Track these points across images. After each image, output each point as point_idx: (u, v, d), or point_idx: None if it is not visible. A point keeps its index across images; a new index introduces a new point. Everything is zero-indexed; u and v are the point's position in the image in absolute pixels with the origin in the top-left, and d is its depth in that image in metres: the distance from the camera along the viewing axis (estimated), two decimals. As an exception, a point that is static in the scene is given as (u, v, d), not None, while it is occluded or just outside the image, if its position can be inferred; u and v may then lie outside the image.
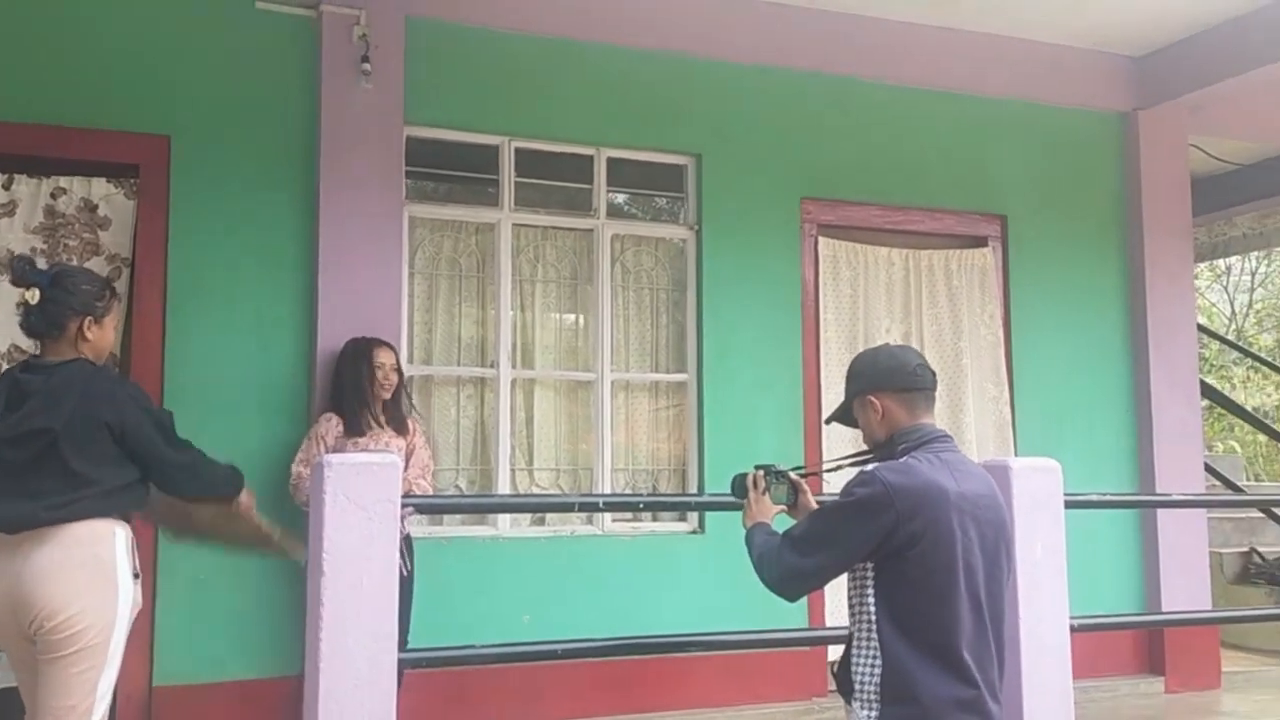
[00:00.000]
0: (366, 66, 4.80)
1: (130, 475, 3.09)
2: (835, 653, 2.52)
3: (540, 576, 5.08)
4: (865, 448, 2.58)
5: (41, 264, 3.68)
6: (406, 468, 4.35)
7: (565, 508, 5.07)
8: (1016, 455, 5.79)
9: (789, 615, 5.09)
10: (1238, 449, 13.61)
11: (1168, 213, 6.42)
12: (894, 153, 5.96)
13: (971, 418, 5.95)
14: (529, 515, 5.26)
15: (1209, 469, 7.71)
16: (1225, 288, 16.43)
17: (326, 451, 4.18)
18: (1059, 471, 3.64)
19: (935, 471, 2.32)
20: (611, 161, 5.52)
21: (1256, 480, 12.18)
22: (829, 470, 3.04)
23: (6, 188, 4.53)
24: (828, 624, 5.37)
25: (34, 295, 3.09)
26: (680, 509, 5.48)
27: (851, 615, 2.40)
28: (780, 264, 5.68)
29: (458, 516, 5.13)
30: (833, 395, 5.61)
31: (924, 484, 2.29)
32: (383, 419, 4.50)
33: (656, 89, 5.52)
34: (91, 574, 2.96)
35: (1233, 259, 14.64)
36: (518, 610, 4.96)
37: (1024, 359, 6.14)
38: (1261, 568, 7.52)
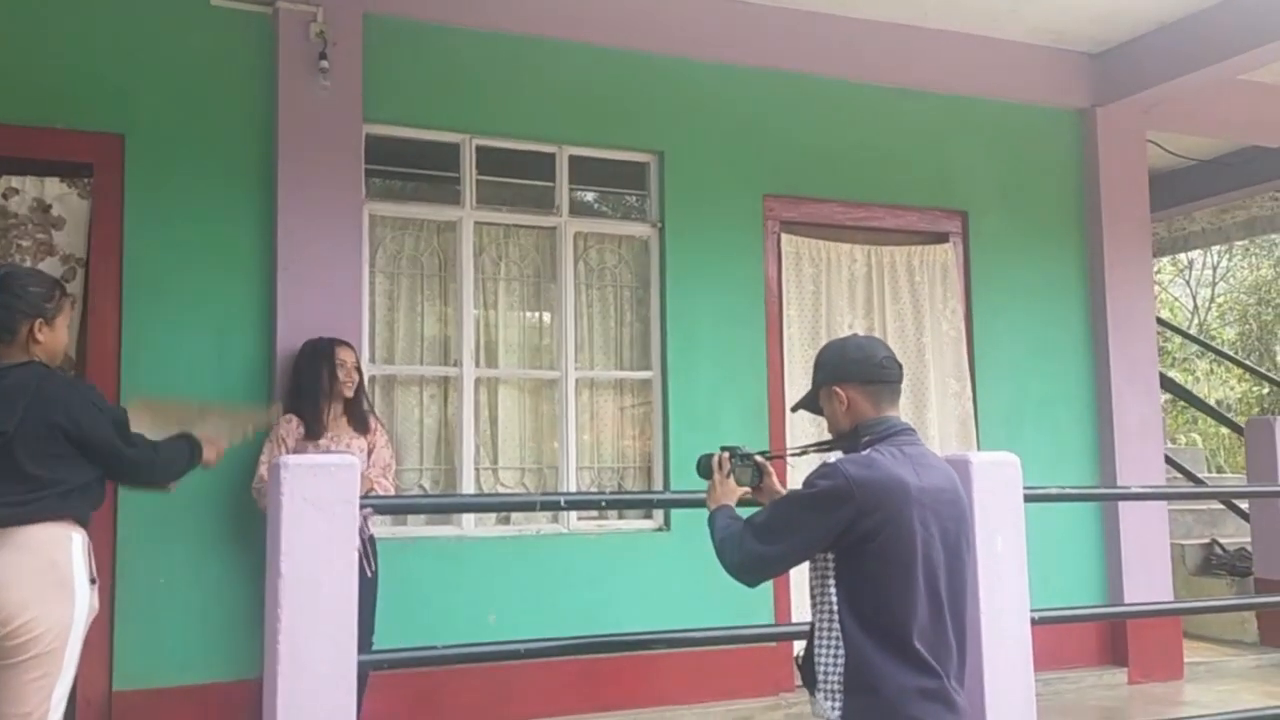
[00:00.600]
0: (324, 64, 4.76)
1: (87, 475, 3.06)
2: (801, 647, 2.53)
3: (506, 576, 5.06)
4: (829, 438, 2.59)
5: (-9, 266, 3.61)
6: (368, 467, 4.32)
7: (527, 507, 5.05)
8: (978, 449, 5.84)
9: (755, 612, 5.13)
10: (1200, 442, 13.79)
11: (1126, 208, 6.49)
12: (856, 149, 5.99)
13: (934, 413, 5.99)
14: (494, 515, 5.24)
15: (1170, 462, 7.81)
16: (1188, 282, 16.65)
17: (287, 453, 4.14)
18: (1018, 465, 3.66)
19: (897, 465, 2.33)
20: (574, 159, 5.51)
21: (1219, 472, 12.35)
22: (794, 455, 3.06)
23: (-43, 188, 4.45)
24: (794, 619, 5.38)
25: None
26: (642, 506, 5.48)
27: (813, 606, 2.41)
28: (743, 261, 5.69)
29: (422, 516, 5.10)
30: (796, 391, 5.63)
31: (885, 478, 2.31)
32: (344, 419, 4.47)
33: (618, 86, 5.52)
34: (47, 580, 2.93)
35: (1195, 253, 14.85)
36: (483, 610, 4.93)
37: (985, 354, 6.19)
38: (1222, 559, 7.62)
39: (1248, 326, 15.51)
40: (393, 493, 4.49)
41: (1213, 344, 13.20)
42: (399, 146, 5.26)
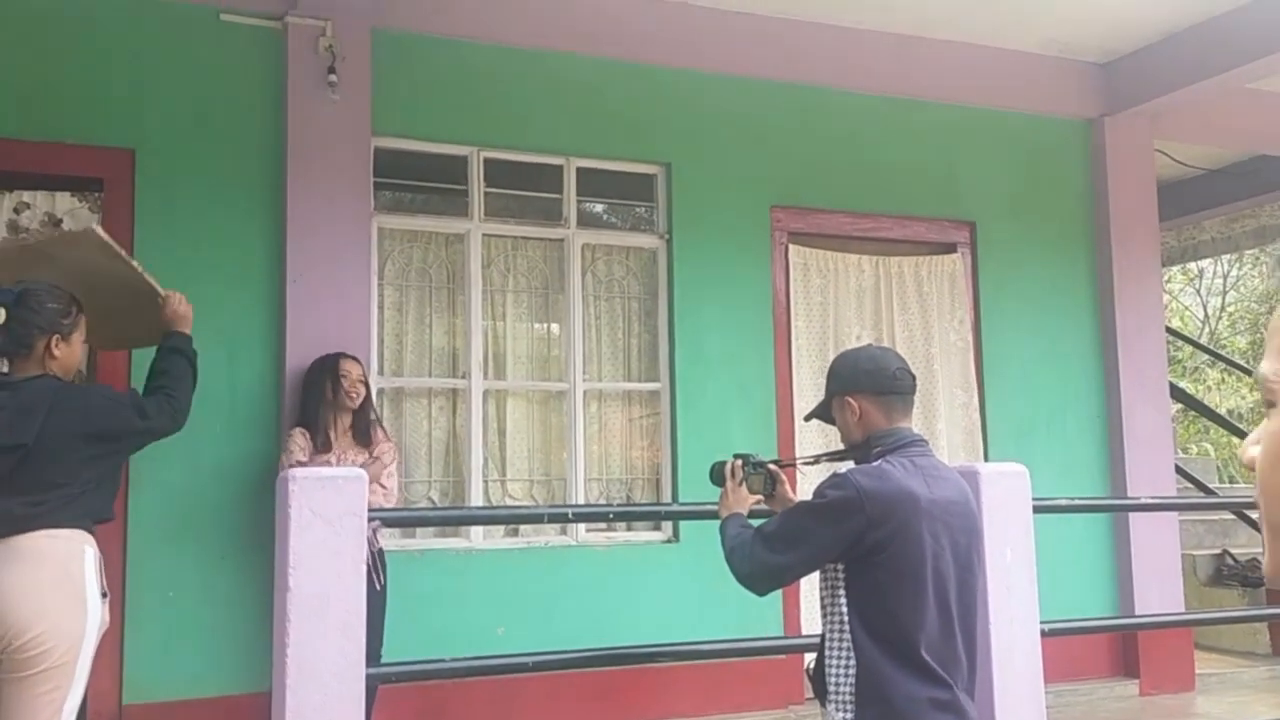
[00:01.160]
0: (333, 78, 4.78)
1: (106, 468, 3.12)
2: (811, 659, 2.53)
3: (514, 588, 5.06)
4: (842, 447, 2.59)
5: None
6: (379, 480, 4.32)
7: (535, 519, 5.05)
8: (986, 460, 5.82)
9: (764, 624, 5.11)
10: (1212, 452, 13.73)
11: (1135, 218, 6.48)
12: (863, 160, 5.99)
13: (943, 423, 5.98)
14: (502, 527, 5.24)
15: (1181, 472, 7.77)
16: (1198, 291, 16.59)
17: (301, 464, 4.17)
18: (1027, 476, 3.65)
19: (908, 477, 2.33)
20: (581, 171, 5.52)
21: (1230, 483, 12.27)
22: (806, 464, 3.06)
23: (-31, 203, 4.49)
24: (803, 631, 5.37)
25: (0, 314, 3.07)
26: (650, 519, 5.47)
27: (824, 617, 2.41)
28: (751, 272, 5.69)
29: (431, 529, 5.11)
30: (804, 402, 5.62)
31: (895, 490, 2.31)
32: (350, 433, 4.47)
33: (626, 99, 5.53)
34: (59, 593, 2.94)
35: (1205, 262, 14.80)
36: (492, 622, 4.93)
37: (994, 364, 6.17)
38: (1234, 569, 7.58)
39: (1259, 335, 15.45)
40: (394, 496, 4.48)
41: (1223, 353, 13.15)
42: (407, 159, 5.28)
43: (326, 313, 4.75)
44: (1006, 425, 6.10)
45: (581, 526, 5.29)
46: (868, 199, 6.00)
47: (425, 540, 5.05)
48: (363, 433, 4.48)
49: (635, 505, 5.49)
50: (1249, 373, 11.65)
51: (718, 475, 2.73)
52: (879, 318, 6.00)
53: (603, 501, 5.43)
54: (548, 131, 5.40)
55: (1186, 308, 16.72)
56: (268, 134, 4.85)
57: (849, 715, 2.31)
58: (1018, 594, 3.54)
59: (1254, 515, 7.51)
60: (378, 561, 4.30)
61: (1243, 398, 15.47)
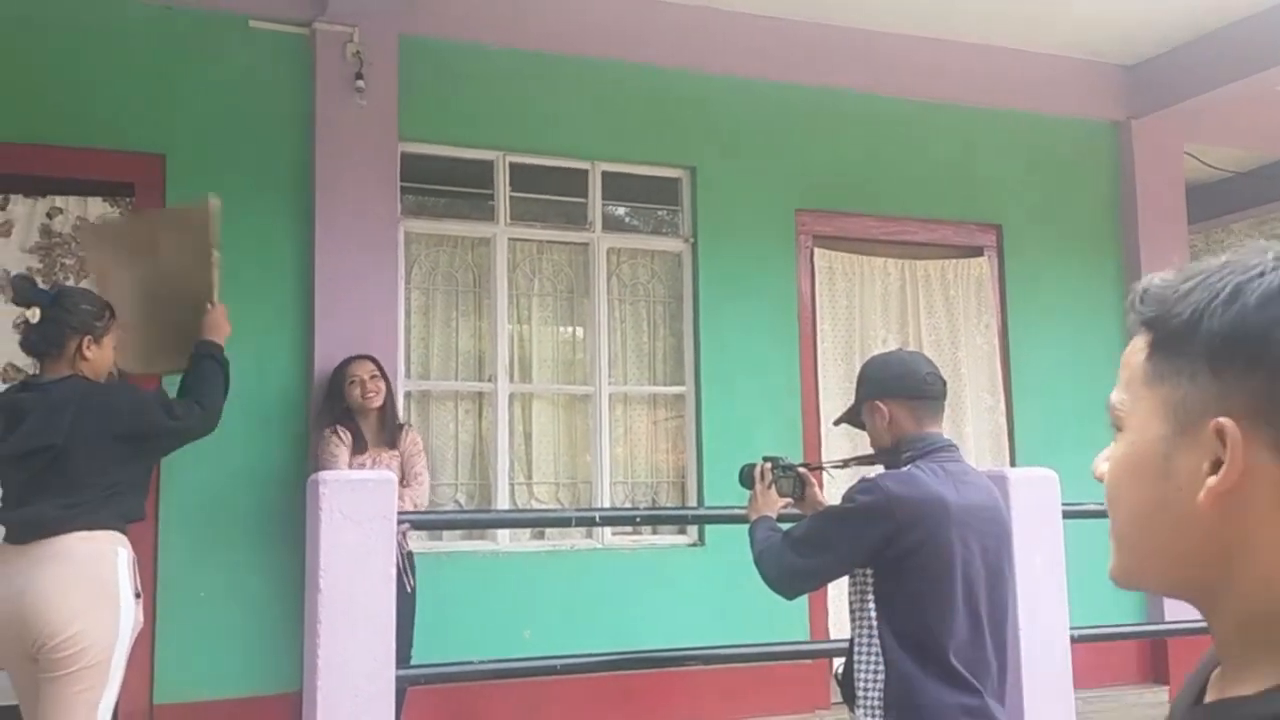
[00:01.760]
0: (360, 84, 4.81)
1: (135, 469, 3.14)
2: (839, 664, 2.53)
3: (541, 591, 5.07)
4: (871, 452, 2.59)
5: (41, 284, 3.69)
6: (402, 479, 4.34)
7: (562, 523, 5.06)
8: (1014, 465, 5.79)
9: (791, 628, 5.10)
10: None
11: (1163, 221, 6.43)
12: (889, 164, 5.97)
13: (970, 428, 5.95)
14: (529, 530, 5.26)
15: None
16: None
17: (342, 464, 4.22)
18: (1057, 481, 3.64)
19: (938, 482, 2.33)
20: (606, 175, 5.54)
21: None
22: (835, 468, 3.05)
23: (2, 208, 4.55)
24: (831, 636, 5.35)
25: (35, 314, 3.11)
26: (678, 522, 5.48)
27: (853, 622, 2.41)
28: (776, 275, 5.68)
29: (457, 531, 5.12)
30: (830, 406, 5.61)
31: (925, 495, 2.30)
32: (380, 434, 4.49)
33: (650, 102, 5.54)
34: (93, 593, 2.97)
35: (1231, 266, 14.64)
36: (519, 625, 4.94)
37: (1021, 368, 6.14)
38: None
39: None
40: (424, 497, 4.50)
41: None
42: (433, 164, 5.31)
43: (354, 316, 4.78)
44: (1034, 430, 6.07)
45: (607, 530, 5.30)
46: (893, 202, 5.99)
47: (452, 543, 5.07)
48: (390, 434, 4.50)
49: (662, 509, 5.49)
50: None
51: (747, 478, 2.73)
52: (905, 321, 5.98)
53: (628, 505, 5.44)
54: (573, 136, 5.42)
55: (1214, 311, 16.56)
56: (296, 139, 4.89)
57: (877, 721, 2.31)
58: (1047, 600, 3.53)
59: None
60: (407, 564, 4.32)
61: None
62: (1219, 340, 0.73)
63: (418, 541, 4.71)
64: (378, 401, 4.48)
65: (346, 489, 3.06)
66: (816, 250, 5.84)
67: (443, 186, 5.48)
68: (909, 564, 2.30)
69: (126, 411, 3.10)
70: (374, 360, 4.56)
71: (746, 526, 2.66)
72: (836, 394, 5.65)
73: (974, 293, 6.13)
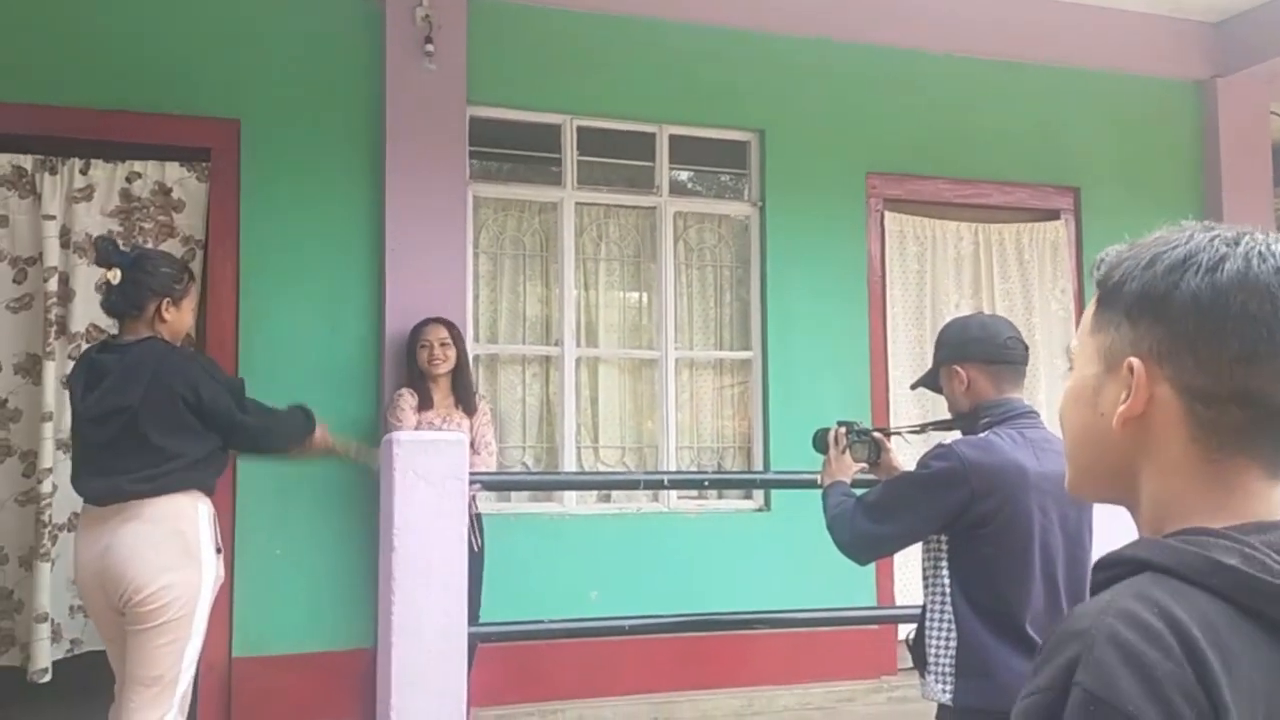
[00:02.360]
0: (430, 48, 4.82)
1: (210, 445, 3.18)
2: (905, 631, 2.51)
3: (607, 553, 5.10)
4: (948, 417, 2.54)
5: (122, 247, 3.77)
6: (472, 447, 4.39)
7: (630, 485, 5.08)
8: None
9: (856, 593, 5.08)
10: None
11: (1248, 182, 6.23)
12: (962, 125, 5.85)
13: (1043, 395, 5.84)
14: (595, 492, 5.29)
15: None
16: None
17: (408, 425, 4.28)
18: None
19: (1016, 449, 2.29)
20: (674, 138, 5.50)
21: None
22: (912, 433, 3.01)
23: (84, 172, 4.64)
24: (897, 602, 5.33)
25: (115, 275, 3.17)
26: (747, 486, 5.47)
27: (926, 588, 2.39)
28: (845, 240, 5.61)
29: (525, 493, 5.18)
30: (900, 373, 5.55)
31: (1002, 462, 2.26)
32: (451, 398, 4.55)
33: (719, 64, 5.48)
34: (176, 549, 3.04)
35: (1315, 230, 14.18)
36: (585, 586, 4.99)
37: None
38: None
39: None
40: (492, 466, 4.55)
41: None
42: (502, 128, 5.31)
43: (424, 280, 4.82)
44: (1108, 397, 5.94)
45: (673, 494, 5.31)
46: (967, 164, 5.87)
47: (520, 504, 5.13)
48: (466, 399, 4.55)
49: (731, 473, 5.49)
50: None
51: (820, 442, 2.70)
52: (978, 286, 5.88)
53: (694, 469, 5.44)
54: (640, 99, 5.39)
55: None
56: (367, 103, 4.92)
57: (948, 687, 2.29)
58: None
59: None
60: (475, 525, 4.38)
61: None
62: (1133, 298, 0.90)
63: (486, 503, 4.77)
64: (444, 368, 4.52)
65: (420, 449, 3.11)
66: (887, 214, 5.75)
67: (510, 150, 5.49)
68: (984, 532, 2.26)
69: (199, 380, 3.13)
70: (448, 324, 4.60)
71: (815, 492, 2.64)
72: (906, 361, 5.59)
73: (1049, 257, 6.00)
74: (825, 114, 5.61)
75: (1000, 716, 2.18)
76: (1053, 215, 6.06)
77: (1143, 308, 0.89)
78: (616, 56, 5.34)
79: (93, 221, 4.62)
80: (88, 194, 4.65)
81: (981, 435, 2.34)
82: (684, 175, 5.72)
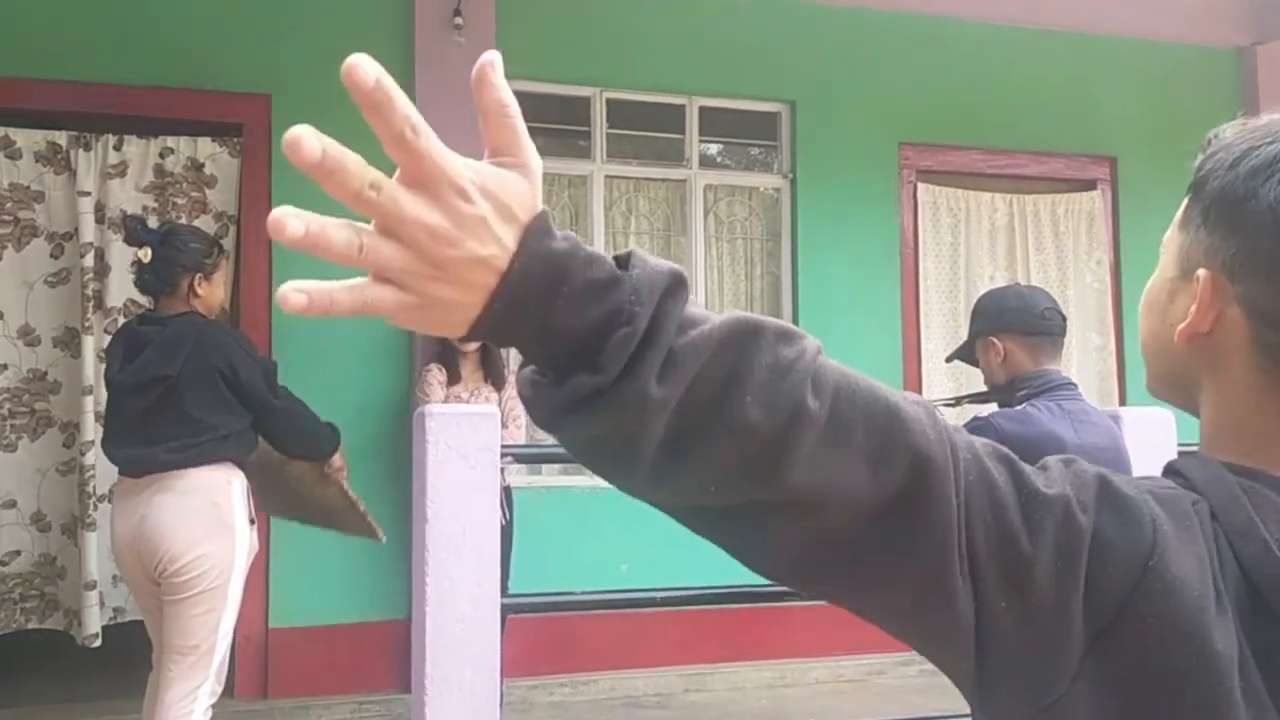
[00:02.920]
0: (459, 20, 4.81)
1: (244, 421, 3.19)
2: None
3: (636, 526, 5.09)
4: (985, 389, 2.52)
5: (153, 223, 3.79)
6: (503, 422, 4.40)
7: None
8: (1120, 406, 5.62)
9: (887, 567, 5.06)
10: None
11: (1290, 152, 6.10)
12: (996, 94, 5.77)
13: (1075, 368, 5.78)
14: (625, 466, 5.29)
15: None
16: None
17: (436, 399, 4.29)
18: (1172, 422, 3.50)
19: (1054, 421, 2.26)
20: (704, 111, 5.46)
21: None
22: (948, 405, 2.98)
23: (117, 148, 4.67)
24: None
25: (146, 254, 3.19)
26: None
27: (960, 563, 2.37)
28: (877, 212, 5.56)
29: (556, 467, 5.19)
30: (933, 345, 5.51)
31: (1039, 434, 2.23)
32: (480, 372, 4.56)
33: (748, 35, 5.43)
34: (210, 520, 3.07)
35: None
36: (615, 559, 5.00)
37: (1134, 307, 5.91)
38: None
39: None
40: (521, 441, 4.56)
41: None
42: (530, 101, 5.28)
43: (454, 254, 4.81)
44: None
45: (703, 467, 5.30)
46: (1002, 134, 5.79)
47: (550, 478, 5.14)
48: (496, 374, 4.56)
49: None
50: None
51: None
52: (1013, 258, 5.81)
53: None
54: (670, 71, 5.35)
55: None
56: (396, 75, 4.70)
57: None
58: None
59: None
60: (504, 498, 4.39)
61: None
62: (1211, 199, 0.79)
63: (517, 476, 4.79)
64: (473, 343, 4.53)
65: (453, 422, 3.10)
66: (920, 185, 5.69)
67: (539, 124, 5.46)
68: (1020, 505, 2.24)
69: (235, 355, 3.14)
70: None
71: None
72: (940, 333, 5.54)
73: (1085, 228, 5.92)
74: (856, 85, 5.55)
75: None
76: (1089, 185, 5.98)
77: (1221, 212, 0.78)
78: (646, 29, 5.30)
79: (127, 197, 4.65)
80: (121, 170, 4.68)
81: (1019, 408, 2.32)
82: (714, 148, 5.68)
